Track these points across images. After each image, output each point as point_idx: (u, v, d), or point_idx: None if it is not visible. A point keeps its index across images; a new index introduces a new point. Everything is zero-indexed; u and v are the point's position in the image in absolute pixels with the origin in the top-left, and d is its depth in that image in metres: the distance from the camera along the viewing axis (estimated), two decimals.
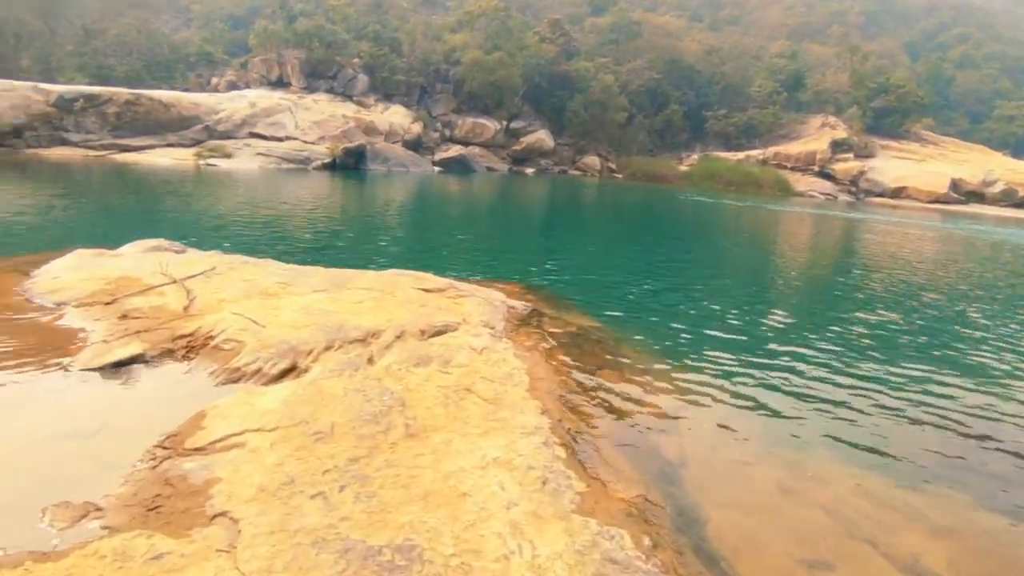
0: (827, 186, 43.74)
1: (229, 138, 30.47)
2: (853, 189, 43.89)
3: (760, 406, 5.25)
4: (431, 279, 7.08)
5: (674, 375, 5.73)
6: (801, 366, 6.43)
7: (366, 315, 5.54)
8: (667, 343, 6.84)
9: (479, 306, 6.39)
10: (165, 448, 3.38)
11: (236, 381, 4.36)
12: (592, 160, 44.02)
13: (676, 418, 4.74)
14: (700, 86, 49.99)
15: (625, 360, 5.90)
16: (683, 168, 44.55)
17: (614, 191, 33.78)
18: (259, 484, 2.92)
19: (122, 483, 3.02)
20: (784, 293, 11.03)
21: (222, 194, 18.83)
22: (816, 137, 47.12)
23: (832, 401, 5.51)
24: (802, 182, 43.68)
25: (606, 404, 4.78)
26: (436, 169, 35.25)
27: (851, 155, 45.17)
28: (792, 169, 44.87)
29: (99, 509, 2.81)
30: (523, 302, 7.19)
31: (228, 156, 28.41)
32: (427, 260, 10.44)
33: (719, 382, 5.70)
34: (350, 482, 2.97)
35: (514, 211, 22.75)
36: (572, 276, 10.38)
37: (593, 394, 4.92)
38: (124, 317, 5.51)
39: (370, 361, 4.59)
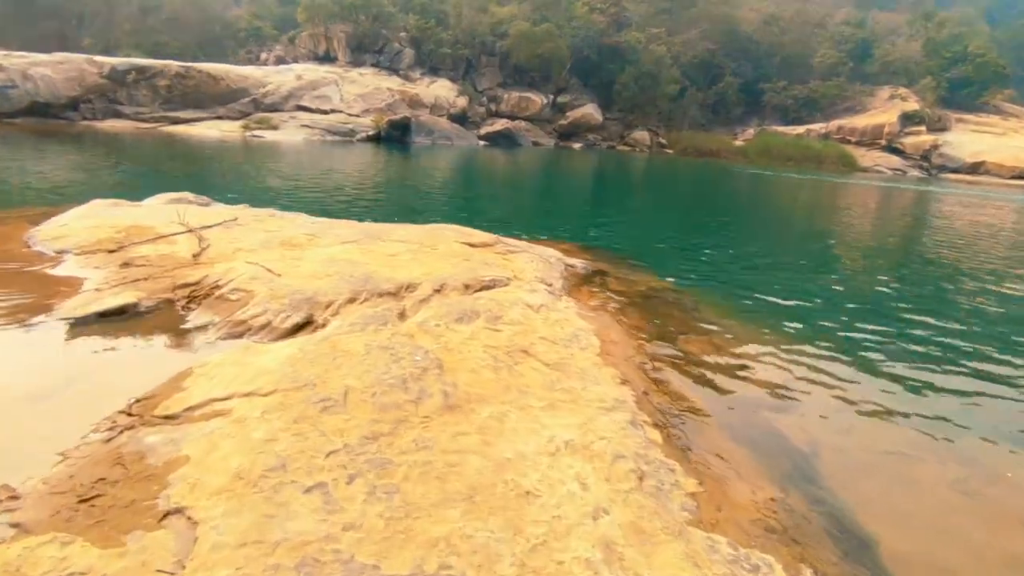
0: (895, 161, 40.87)
1: (276, 111, 30.24)
2: (924, 164, 40.87)
3: (892, 381, 4.13)
4: (477, 233, 6.15)
5: (774, 342, 4.65)
6: (936, 340, 5.21)
7: (400, 268, 4.66)
8: (757, 306, 5.74)
9: (532, 262, 5.44)
10: (130, 415, 2.57)
11: (240, 336, 3.54)
12: (641, 135, 42.15)
13: (788, 395, 3.70)
14: (757, 57, 47.09)
15: (711, 324, 4.85)
16: (738, 143, 42.29)
17: (666, 165, 32.15)
18: (236, 468, 2.05)
19: (59, 460, 2.22)
20: (885, 258, 9.60)
21: (265, 162, 18.31)
22: (884, 110, 43.97)
23: (989, 379, 4.34)
24: (868, 157, 40.91)
25: (697, 375, 3.77)
26: (481, 143, 34.35)
27: (923, 128, 42.01)
28: (857, 144, 42.06)
29: (15, 498, 2.00)
30: (582, 260, 6.20)
31: (274, 128, 28.16)
32: (472, 221, 9.48)
33: (831, 350, 4.60)
34: (363, 470, 2.08)
35: (563, 182, 21.56)
36: (632, 239, 9.25)
37: (679, 363, 3.91)
38: (126, 265, 4.78)
39: (401, 316, 3.69)
